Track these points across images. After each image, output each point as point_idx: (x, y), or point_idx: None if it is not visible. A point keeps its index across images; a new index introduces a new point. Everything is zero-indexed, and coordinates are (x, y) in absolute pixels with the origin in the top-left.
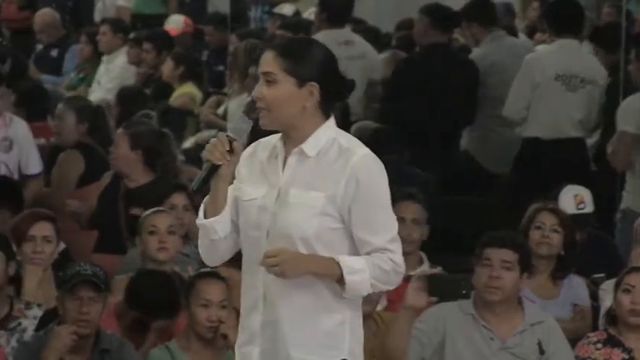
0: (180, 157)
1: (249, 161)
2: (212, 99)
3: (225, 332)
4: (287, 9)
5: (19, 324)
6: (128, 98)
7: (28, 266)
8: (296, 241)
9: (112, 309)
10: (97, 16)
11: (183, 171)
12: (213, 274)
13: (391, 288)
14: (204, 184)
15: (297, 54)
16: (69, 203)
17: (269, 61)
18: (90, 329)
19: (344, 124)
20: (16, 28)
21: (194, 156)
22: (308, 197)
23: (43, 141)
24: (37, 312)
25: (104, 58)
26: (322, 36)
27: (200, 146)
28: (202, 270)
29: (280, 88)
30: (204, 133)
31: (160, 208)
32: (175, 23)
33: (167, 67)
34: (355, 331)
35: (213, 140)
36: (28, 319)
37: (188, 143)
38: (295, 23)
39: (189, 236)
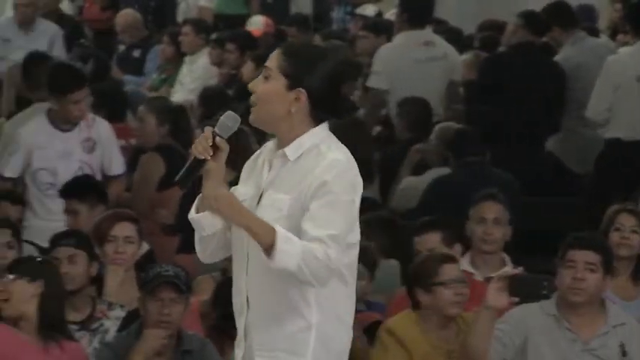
0: None
1: (251, 163)
2: None
3: None
4: (369, 10)
5: (102, 325)
6: (210, 99)
7: (109, 267)
8: None
9: (195, 309)
10: (180, 17)
11: None
12: None
13: (316, 283)
14: (185, 177)
15: (300, 58)
16: (157, 212)
17: (272, 57)
18: (171, 330)
19: (426, 125)
20: (99, 28)
21: None
22: (276, 200)
23: (123, 142)
24: (120, 313)
25: (186, 58)
26: (403, 37)
27: None
28: None
29: (270, 85)
30: None
31: None
32: (256, 24)
33: (247, 69)
34: (325, 340)
35: (200, 135)
36: (111, 320)
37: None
38: (377, 24)
39: None
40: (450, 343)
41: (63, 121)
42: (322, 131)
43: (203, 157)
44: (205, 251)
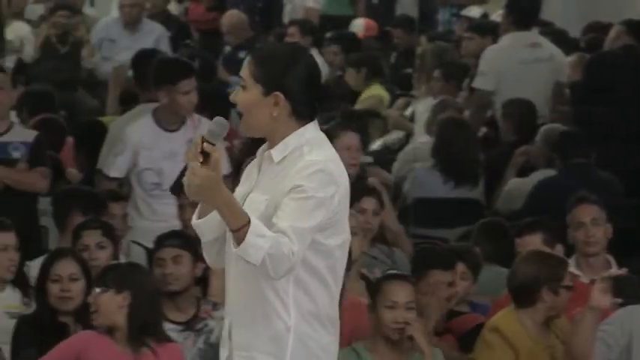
0: (368, 159)
1: (250, 165)
2: (400, 101)
3: (412, 334)
4: (475, 11)
5: (206, 325)
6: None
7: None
8: None
9: None
10: (286, 18)
11: (371, 172)
12: (400, 277)
13: (275, 276)
14: (176, 183)
15: (269, 62)
16: None
17: (245, 66)
18: None
19: (531, 127)
20: (205, 29)
21: (381, 158)
22: (255, 200)
23: (227, 144)
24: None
25: None
26: (509, 38)
27: (387, 148)
28: (389, 272)
29: (248, 95)
30: (392, 135)
31: None
32: (357, 27)
33: (350, 74)
34: (306, 343)
35: (192, 142)
36: (215, 320)
37: (375, 145)
38: (482, 25)
39: (378, 239)
40: (549, 340)
41: (169, 121)
42: (308, 132)
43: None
44: (209, 256)
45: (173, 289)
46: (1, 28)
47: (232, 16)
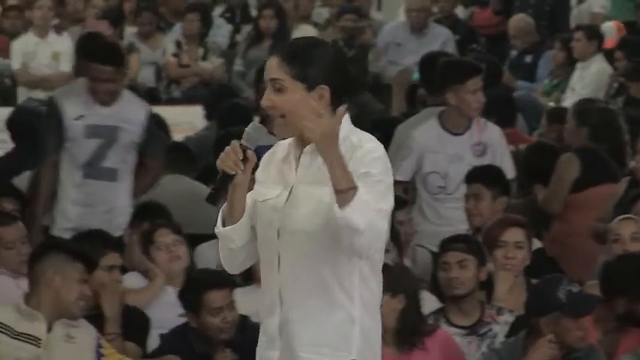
0: None
1: (267, 164)
2: None
3: None
4: None
5: (490, 329)
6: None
7: (500, 272)
8: (305, 237)
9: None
10: (573, 22)
11: None
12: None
13: (365, 251)
14: (216, 194)
15: (302, 58)
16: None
17: (275, 68)
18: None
19: None
20: (490, 33)
21: None
22: (317, 192)
23: (511, 147)
24: (509, 317)
25: (578, 64)
26: None
27: None
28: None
29: (288, 95)
30: None
31: None
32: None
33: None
34: (369, 336)
35: (227, 150)
36: (500, 325)
37: None
38: None
39: None
40: None
41: (455, 124)
42: (346, 122)
43: (233, 172)
44: (234, 263)
45: (458, 293)
46: (288, 31)
47: (519, 20)
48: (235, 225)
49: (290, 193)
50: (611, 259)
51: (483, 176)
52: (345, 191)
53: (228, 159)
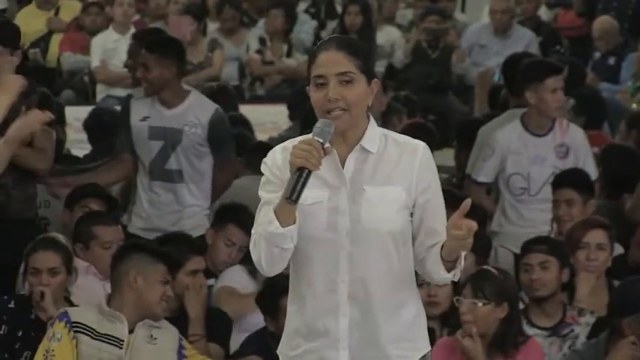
0: None
1: (281, 167)
2: None
3: None
4: None
5: (572, 330)
6: None
7: (582, 273)
8: (384, 237)
9: None
10: None
11: None
12: None
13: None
14: (300, 191)
15: (361, 50)
16: None
17: (343, 61)
18: None
19: None
20: (574, 35)
21: None
22: (388, 192)
23: (596, 149)
24: (590, 319)
25: None
26: None
27: None
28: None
29: (357, 87)
30: None
31: None
32: None
33: None
34: (425, 324)
35: (305, 147)
36: (581, 326)
37: None
38: None
39: None
40: None
41: (538, 125)
42: (372, 119)
43: (317, 170)
44: (281, 264)
45: (540, 294)
46: (373, 27)
47: (603, 22)
48: (295, 225)
49: (350, 194)
50: None
51: (574, 181)
52: (454, 261)
53: (312, 157)
